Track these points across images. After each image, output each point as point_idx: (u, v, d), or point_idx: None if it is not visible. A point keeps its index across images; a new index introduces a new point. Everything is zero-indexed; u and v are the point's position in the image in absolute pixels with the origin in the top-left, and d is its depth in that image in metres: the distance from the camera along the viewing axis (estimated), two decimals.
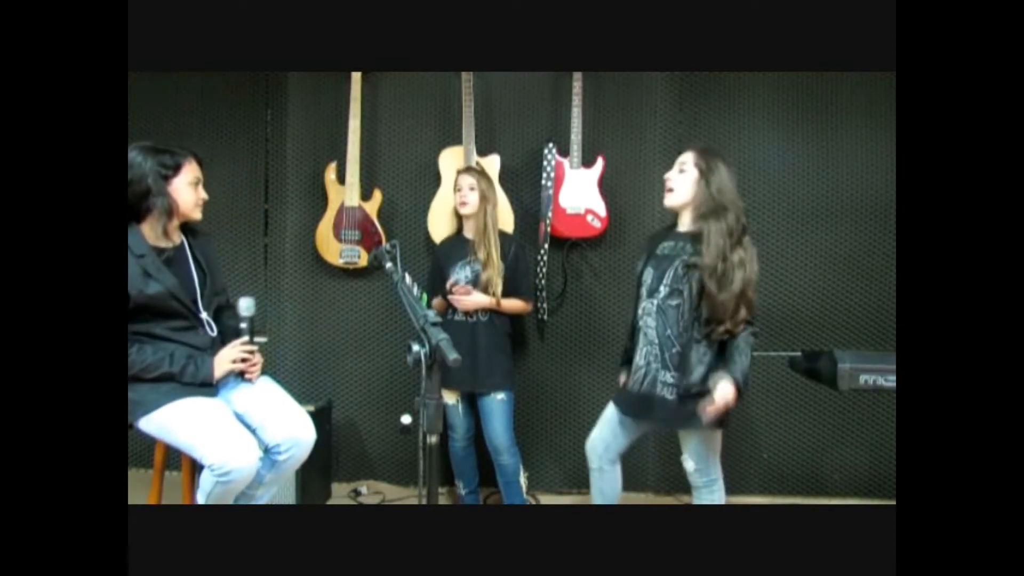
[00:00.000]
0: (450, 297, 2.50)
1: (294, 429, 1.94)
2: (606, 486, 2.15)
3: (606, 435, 2.12)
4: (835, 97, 2.94)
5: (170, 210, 1.87)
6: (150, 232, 1.88)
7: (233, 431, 1.80)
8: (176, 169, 1.89)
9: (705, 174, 1.90)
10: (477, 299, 2.49)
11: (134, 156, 1.85)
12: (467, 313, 2.52)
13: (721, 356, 1.90)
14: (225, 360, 1.95)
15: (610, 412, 2.13)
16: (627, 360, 2.11)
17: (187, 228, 2.02)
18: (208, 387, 1.90)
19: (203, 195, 1.98)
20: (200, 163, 1.98)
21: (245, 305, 2.00)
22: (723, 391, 1.83)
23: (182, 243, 1.98)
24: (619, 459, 2.15)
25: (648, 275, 2.00)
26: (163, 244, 1.91)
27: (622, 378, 2.14)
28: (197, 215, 1.97)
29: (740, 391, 1.84)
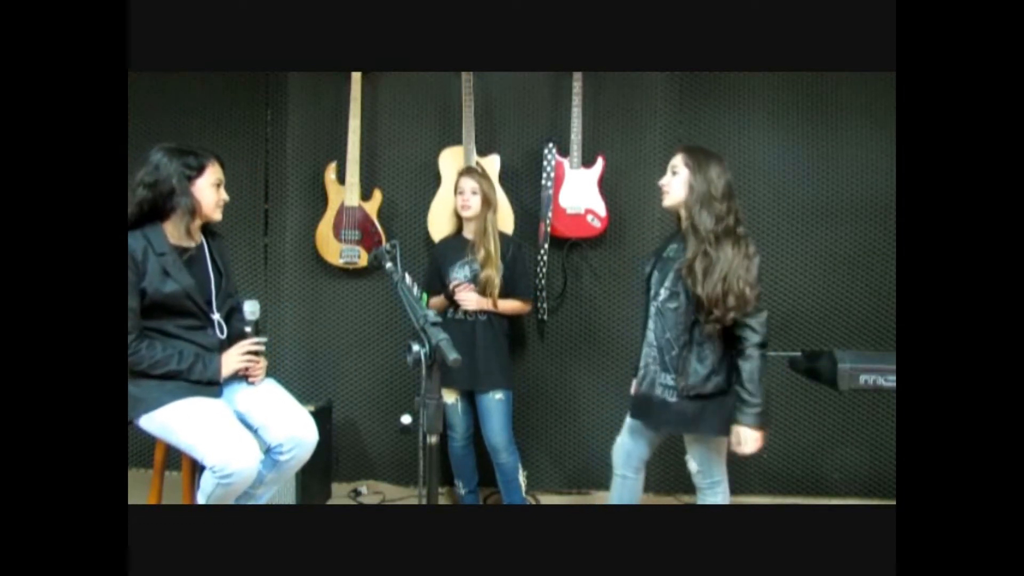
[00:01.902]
0: (456, 296, 2.50)
1: (296, 429, 1.94)
2: (626, 493, 2.12)
3: (626, 442, 2.10)
4: (835, 97, 2.94)
5: (193, 210, 1.89)
6: (173, 231, 1.90)
7: (234, 432, 1.81)
8: (200, 170, 1.92)
9: (693, 172, 1.90)
10: (472, 302, 2.49)
11: (159, 157, 1.87)
12: (466, 312, 2.52)
13: (727, 361, 1.88)
14: (232, 360, 1.95)
15: (628, 418, 2.12)
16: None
17: (207, 229, 2.04)
18: (214, 385, 1.91)
19: (224, 196, 2.00)
20: (222, 165, 2.00)
21: (250, 309, 2.02)
22: (740, 442, 1.83)
23: (202, 244, 2.00)
24: (643, 467, 2.12)
25: (653, 279, 2.00)
26: (185, 244, 1.93)
27: (634, 385, 2.14)
28: (218, 216, 1.99)
29: (761, 425, 1.82)
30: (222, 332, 2.00)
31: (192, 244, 1.96)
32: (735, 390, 1.84)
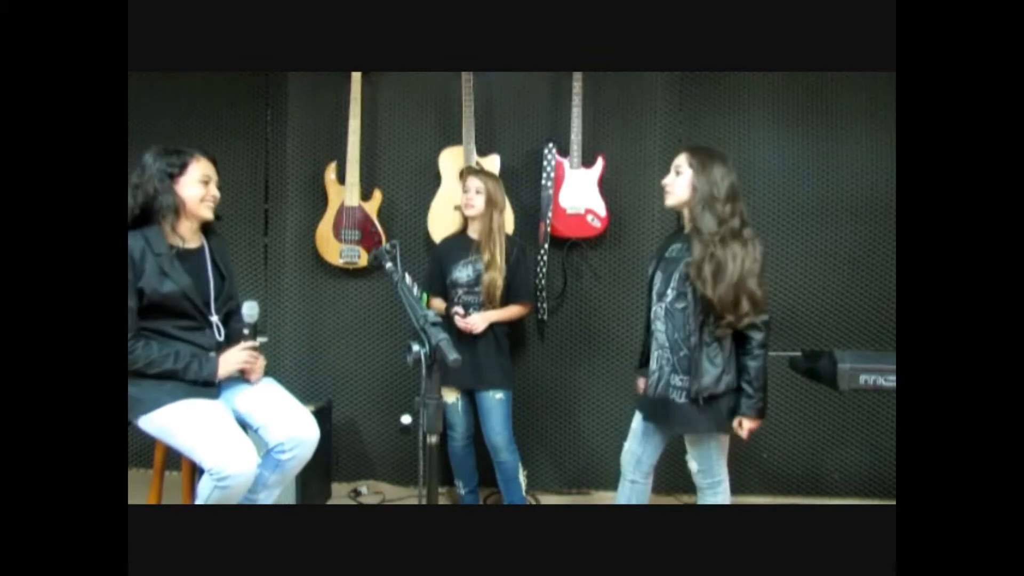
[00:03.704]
0: (462, 327, 2.47)
1: (297, 429, 1.94)
2: (635, 498, 2.11)
3: (636, 447, 2.09)
4: (835, 97, 2.94)
5: (176, 208, 1.89)
6: (169, 231, 1.90)
7: (232, 436, 1.80)
8: (183, 168, 1.91)
9: (696, 173, 1.89)
10: (481, 323, 2.48)
11: (147, 158, 1.89)
12: (466, 312, 2.52)
13: (735, 358, 1.89)
14: (231, 362, 1.95)
15: (636, 422, 2.10)
16: (643, 363, 2.09)
17: (208, 230, 2.03)
18: (210, 386, 1.91)
19: (215, 193, 1.98)
20: (213, 162, 1.99)
21: (248, 311, 2.01)
22: (745, 429, 1.89)
23: (202, 245, 2.00)
24: (652, 471, 2.11)
25: (657, 278, 1.99)
26: (184, 244, 1.93)
27: (640, 383, 2.13)
28: (205, 213, 1.96)
29: (760, 416, 1.88)
30: (220, 334, 1.99)
31: (191, 244, 1.96)
32: (741, 386, 1.89)
